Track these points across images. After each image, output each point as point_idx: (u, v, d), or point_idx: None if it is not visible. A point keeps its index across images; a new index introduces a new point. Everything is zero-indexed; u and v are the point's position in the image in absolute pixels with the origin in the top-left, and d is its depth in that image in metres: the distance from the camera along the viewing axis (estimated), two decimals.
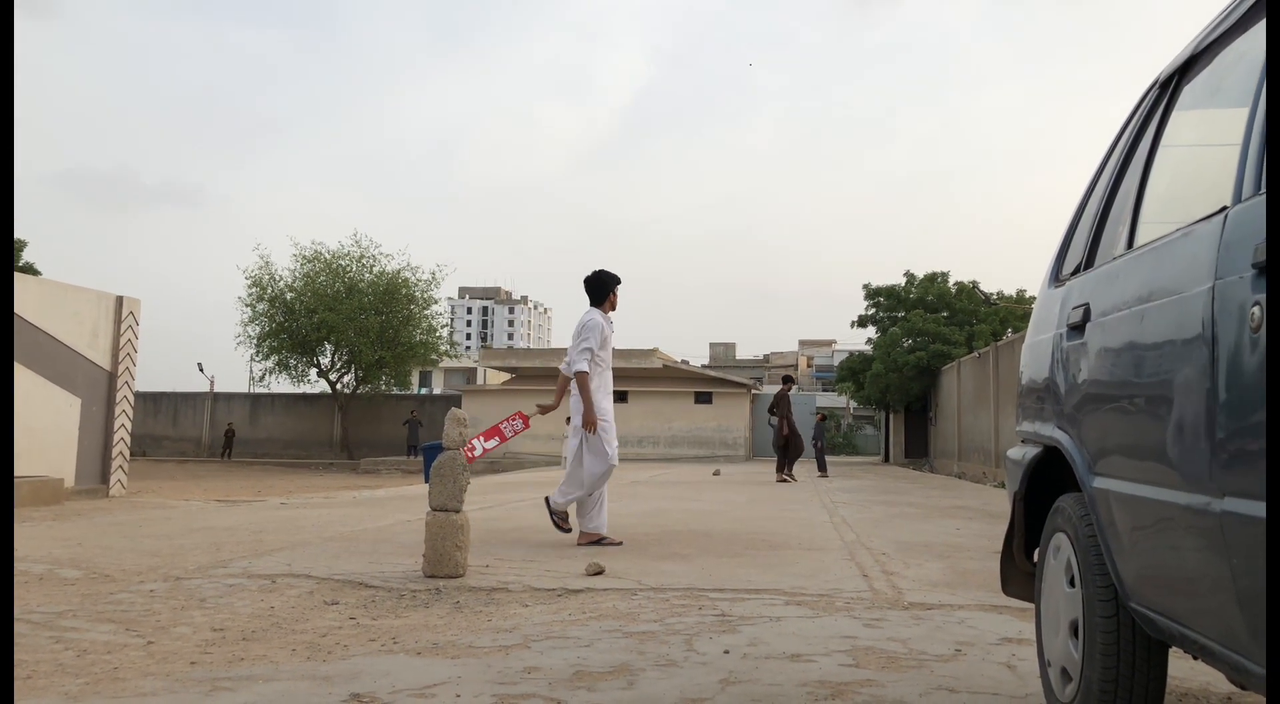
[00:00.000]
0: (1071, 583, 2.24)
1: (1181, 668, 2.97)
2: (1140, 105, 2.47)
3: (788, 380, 16.87)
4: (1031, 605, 2.64)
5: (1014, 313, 26.94)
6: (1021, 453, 2.72)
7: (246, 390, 37.92)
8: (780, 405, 16.38)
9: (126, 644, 3.32)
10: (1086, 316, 2.26)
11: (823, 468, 19.10)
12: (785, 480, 15.51)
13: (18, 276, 12.01)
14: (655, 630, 3.61)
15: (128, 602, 4.11)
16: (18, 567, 5.01)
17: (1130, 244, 2.21)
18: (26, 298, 10.71)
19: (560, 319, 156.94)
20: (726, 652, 3.27)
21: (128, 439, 12.02)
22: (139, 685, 2.79)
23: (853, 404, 38.74)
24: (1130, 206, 2.30)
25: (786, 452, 16.00)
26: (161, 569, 5.03)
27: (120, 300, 11.95)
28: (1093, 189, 2.68)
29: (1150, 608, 1.87)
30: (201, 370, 37.79)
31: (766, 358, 74.96)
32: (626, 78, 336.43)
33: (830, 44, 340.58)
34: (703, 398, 30.72)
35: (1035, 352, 2.71)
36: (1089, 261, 2.49)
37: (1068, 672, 2.24)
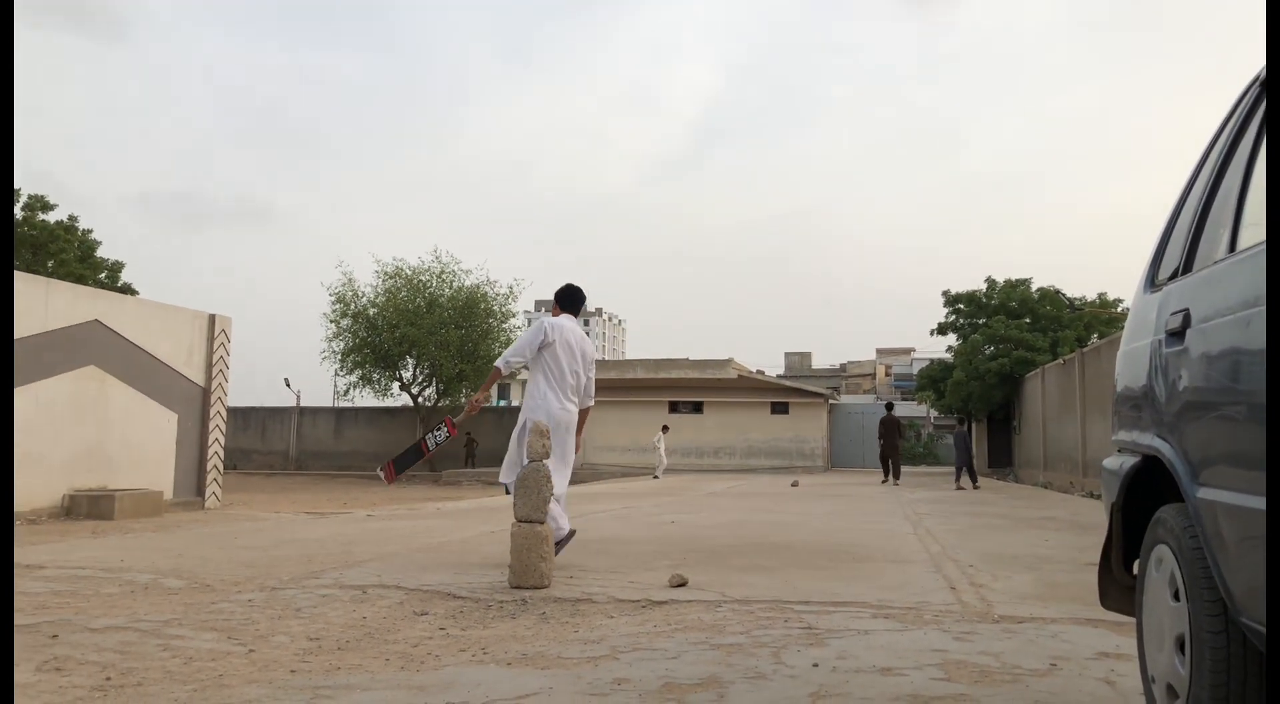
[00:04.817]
0: (1176, 597, 2.17)
1: None
2: (1240, 102, 2.40)
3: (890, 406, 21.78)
4: (1128, 619, 2.56)
5: (1099, 318, 26.19)
6: (1118, 462, 2.65)
7: (331, 404, 38.82)
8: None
9: (229, 652, 3.44)
10: (1186, 322, 2.20)
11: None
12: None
13: (116, 295, 12.53)
14: (742, 643, 3.60)
15: (228, 611, 4.26)
16: (125, 577, 5.22)
17: (1233, 247, 2.15)
18: (125, 317, 11.17)
19: (634, 330, 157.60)
20: (815, 665, 3.25)
21: (221, 453, 12.42)
22: (244, 693, 2.89)
23: (933, 413, 38.04)
24: (1232, 208, 2.23)
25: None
26: (257, 579, 5.19)
27: (213, 318, 12.38)
28: (1189, 191, 2.61)
29: (1263, 623, 1.81)
30: (288, 385, 38.70)
31: (843, 367, 74.17)
32: (697, 91, 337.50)
33: (901, 49, 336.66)
34: (779, 408, 30.48)
35: (1131, 359, 2.64)
36: (1187, 266, 2.42)
37: (1174, 688, 2.17)
